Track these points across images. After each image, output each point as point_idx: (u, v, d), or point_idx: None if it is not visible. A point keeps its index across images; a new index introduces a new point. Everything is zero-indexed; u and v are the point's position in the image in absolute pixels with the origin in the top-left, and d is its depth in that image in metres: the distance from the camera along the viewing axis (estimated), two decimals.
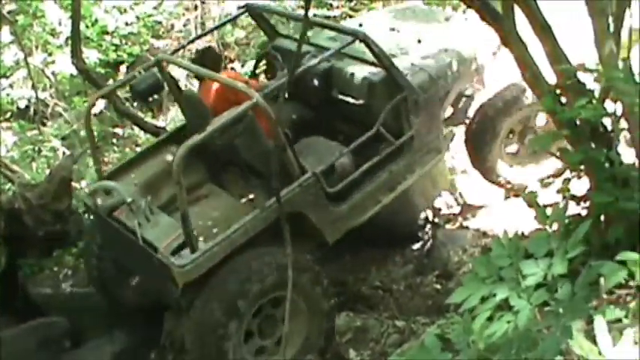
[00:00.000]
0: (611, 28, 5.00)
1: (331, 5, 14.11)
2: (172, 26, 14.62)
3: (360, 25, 9.04)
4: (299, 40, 5.66)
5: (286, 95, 8.49)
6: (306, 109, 8.62)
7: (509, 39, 5.09)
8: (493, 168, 8.72)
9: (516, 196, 8.64)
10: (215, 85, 7.90)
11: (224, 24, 10.91)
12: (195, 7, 14.40)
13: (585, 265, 4.51)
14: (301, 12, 10.85)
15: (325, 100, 8.37)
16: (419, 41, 8.53)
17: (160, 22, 14.33)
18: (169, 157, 8.01)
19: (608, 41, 4.93)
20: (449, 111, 8.79)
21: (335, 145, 7.84)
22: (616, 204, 4.74)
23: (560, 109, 4.82)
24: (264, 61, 9.05)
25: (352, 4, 14.26)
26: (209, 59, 8.10)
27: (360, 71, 8.01)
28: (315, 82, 8.34)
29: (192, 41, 10.18)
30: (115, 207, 7.60)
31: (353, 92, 8.07)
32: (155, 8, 14.08)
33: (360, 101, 7.97)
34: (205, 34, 11.06)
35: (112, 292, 8.34)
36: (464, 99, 8.74)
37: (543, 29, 5.07)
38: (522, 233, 5.14)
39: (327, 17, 13.37)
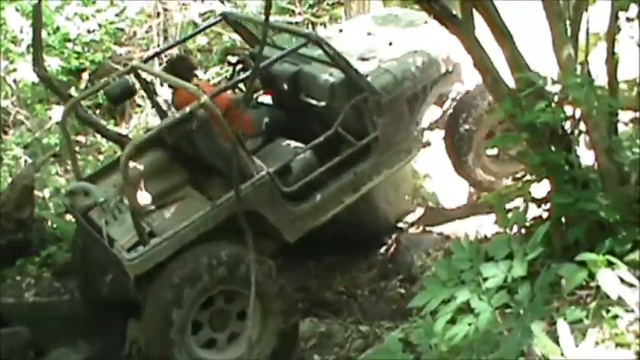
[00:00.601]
0: (569, 33, 5.08)
1: (293, 12, 14.15)
2: (135, 33, 14.57)
3: (340, 30, 9.44)
4: (261, 43, 5.66)
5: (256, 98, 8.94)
6: (278, 113, 8.71)
7: (469, 43, 5.13)
8: (473, 170, 8.73)
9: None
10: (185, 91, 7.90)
11: (200, 32, 10.96)
12: (158, 15, 14.36)
13: (547, 266, 4.56)
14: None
15: (295, 103, 8.45)
16: (390, 44, 8.60)
17: (122, 30, 14.27)
18: (149, 160, 8.09)
19: (566, 45, 5.00)
20: (437, 113, 8.87)
21: (299, 148, 7.85)
22: (576, 205, 4.80)
23: (520, 113, 4.85)
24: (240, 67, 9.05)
25: (314, 10, 14.31)
26: (181, 67, 8.13)
27: (323, 74, 8.06)
28: (285, 86, 8.43)
29: (168, 48, 10.30)
30: (90, 207, 7.74)
31: (317, 95, 8.12)
32: (117, 15, 14.00)
33: (323, 103, 8.00)
34: (183, 41, 11.11)
35: (93, 289, 8.37)
36: (450, 101, 8.78)
37: (503, 34, 5.13)
38: (485, 236, 5.19)
39: (290, 23, 13.41)
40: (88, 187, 7.76)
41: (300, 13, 14.12)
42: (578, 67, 5.07)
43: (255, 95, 8.95)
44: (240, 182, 6.85)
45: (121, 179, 7.81)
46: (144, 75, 8.69)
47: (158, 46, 13.79)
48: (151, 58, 9.54)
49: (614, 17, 5.08)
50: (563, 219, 5.04)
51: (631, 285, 4.19)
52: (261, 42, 5.84)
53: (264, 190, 7.42)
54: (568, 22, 5.09)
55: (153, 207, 7.76)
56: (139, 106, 13.61)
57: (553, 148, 5.05)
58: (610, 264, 4.21)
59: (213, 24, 9.95)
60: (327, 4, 14.50)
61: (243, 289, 6.95)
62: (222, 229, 7.20)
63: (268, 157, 7.79)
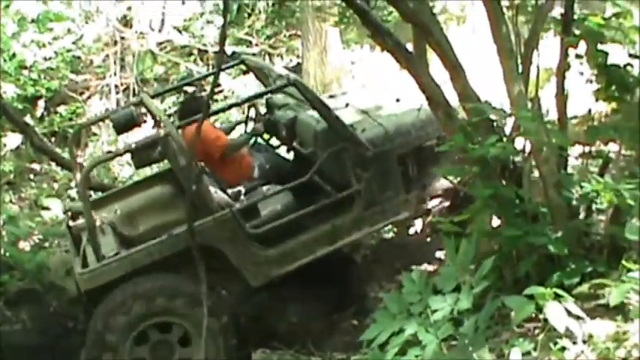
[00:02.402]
0: (520, 68, 5.17)
1: (250, 43, 14.22)
2: (91, 61, 14.59)
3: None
4: (216, 72, 5.65)
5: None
6: (282, 160, 8.71)
7: (422, 79, 5.20)
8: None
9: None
10: (190, 131, 7.95)
11: (220, 72, 11.08)
12: (115, 43, 14.37)
13: (495, 299, 4.61)
14: None
15: (292, 150, 8.49)
16: (397, 100, 8.40)
17: (78, 57, 14.28)
18: (156, 193, 8.17)
19: (517, 81, 5.08)
20: None
21: (283, 194, 7.78)
22: (525, 239, 4.86)
23: (471, 147, 4.91)
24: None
25: (271, 41, 14.40)
26: (195, 105, 8.19)
27: (312, 121, 7.91)
28: (283, 132, 8.41)
29: (182, 85, 10.42)
30: (83, 228, 7.66)
31: (306, 142, 8.08)
32: (74, 43, 14.02)
33: (309, 150, 7.95)
34: (201, 79, 11.17)
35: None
36: None
37: (455, 68, 5.20)
38: (435, 269, 5.24)
39: (246, 54, 13.48)
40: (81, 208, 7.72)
41: (257, 44, 14.21)
42: (529, 103, 5.16)
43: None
44: (195, 216, 6.87)
45: (124, 204, 7.99)
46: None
47: (115, 74, 13.82)
48: (166, 92, 9.62)
49: (564, 54, 5.17)
50: (514, 252, 5.09)
51: (578, 317, 4.26)
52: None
53: (226, 227, 7.31)
54: (519, 58, 5.19)
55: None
56: (95, 134, 13.59)
57: (504, 182, 5.12)
58: (558, 297, 4.27)
59: (232, 66, 9.99)
60: (285, 36, 14.62)
61: (182, 321, 7.06)
62: (182, 259, 7.08)
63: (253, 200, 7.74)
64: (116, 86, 13.83)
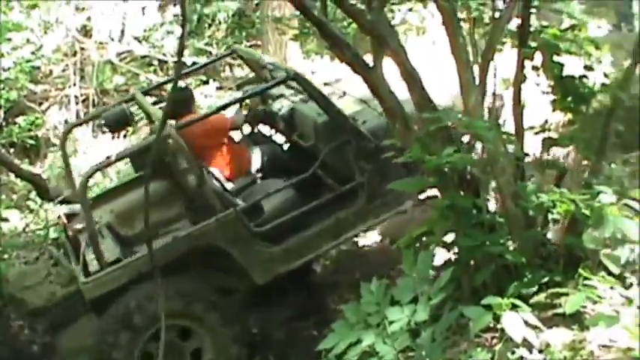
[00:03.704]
0: (477, 79, 5.21)
1: (210, 53, 14.20)
2: (51, 72, 14.48)
3: None
4: (175, 79, 5.60)
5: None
6: (279, 152, 8.61)
7: (380, 89, 5.22)
8: None
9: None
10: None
11: (211, 62, 11.05)
12: (75, 53, 14.29)
13: (453, 309, 4.64)
14: None
15: (290, 142, 8.41)
16: None
17: (38, 68, 14.17)
18: (152, 189, 8.02)
19: (474, 91, 5.12)
20: None
21: (286, 189, 7.68)
22: (482, 248, 4.89)
23: (428, 158, 4.94)
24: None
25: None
26: (182, 99, 8.08)
27: (312, 113, 7.83)
28: (281, 125, 8.38)
29: (164, 83, 10.41)
30: (80, 230, 7.66)
31: (306, 135, 8.01)
32: (33, 53, 13.92)
33: (310, 143, 7.89)
34: (189, 72, 11.15)
35: None
36: None
37: (412, 79, 5.23)
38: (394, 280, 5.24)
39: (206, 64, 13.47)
40: (79, 210, 7.66)
41: (217, 55, 14.18)
42: (486, 114, 5.21)
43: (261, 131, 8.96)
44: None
45: (119, 204, 7.96)
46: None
47: (74, 84, 13.75)
48: (154, 88, 9.59)
49: (521, 65, 5.23)
50: (471, 262, 5.13)
51: (535, 327, 4.30)
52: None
53: (230, 227, 7.24)
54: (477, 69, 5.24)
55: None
56: (54, 145, 13.49)
57: (461, 193, 5.15)
58: (515, 307, 4.30)
59: (224, 56, 10.47)
60: (245, 46, 14.59)
61: (195, 326, 7.06)
62: (186, 262, 7.11)
63: (254, 196, 7.65)
64: (76, 97, 13.74)
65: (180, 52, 4.53)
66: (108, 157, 7.47)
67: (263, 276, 7.39)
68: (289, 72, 7.57)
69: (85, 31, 14.56)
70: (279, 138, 8.96)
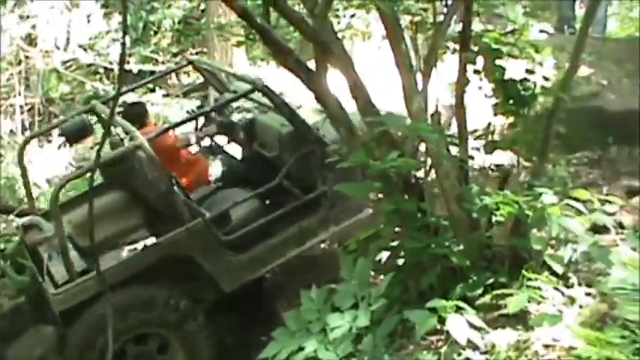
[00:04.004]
0: (420, 84, 5.25)
1: (156, 61, 14.16)
2: None
3: None
4: (116, 92, 5.60)
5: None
6: (237, 162, 8.65)
7: (324, 96, 5.24)
8: None
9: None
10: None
11: (168, 73, 10.98)
12: (19, 62, 14.16)
13: (396, 314, 4.67)
14: None
15: (250, 152, 8.42)
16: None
17: None
18: (107, 201, 7.97)
19: (417, 97, 5.16)
20: None
21: (250, 198, 7.74)
22: (427, 251, 4.93)
23: (372, 163, 4.97)
24: None
25: (177, 59, 14.36)
26: (137, 111, 8.27)
27: (275, 124, 7.91)
28: (241, 135, 8.40)
29: (128, 90, 10.29)
30: (39, 241, 7.62)
31: (268, 145, 8.05)
32: None
33: (273, 153, 7.92)
34: (146, 83, 11.12)
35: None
36: None
37: (356, 85, 5.26)
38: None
39: (152, 72, 13.42)
40: (39, 222, 7.68)
41: (163, 62, 14.15)
42: (429, 118, 5.25)
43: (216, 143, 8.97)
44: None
45: (76, 214, 7.79)
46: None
47: (19, 93, 13.62)
48: (112, 99, 9.54)
49: (463, 69, 5.28)
50: (418, 266, 5.16)
51: (480, 328, 4.34)
52: (117, 87, 5.80)
53: (199, 236, 7.26)
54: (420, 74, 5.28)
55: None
56: (0, 155, 13.34)
57: (406, 197, 5.19)
58: (459, 309, 4.35)
59: (181, 67, 10.43)
60: (191, 54, 14.58)
61: (161, 331, 7.08)
62: (154, 272, 7.09)
63: (216, 205, 7.69)
64: (21, 106, 13.61)
65: (122, 61, 4.51)
66: (79, 168, 7.48)
67: (231, 284, 7.44)
68: (257, 83, 7.63)
69: (30, 40, 14.41)
70: (232, 149, 9.01)
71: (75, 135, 8.30)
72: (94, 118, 8.97)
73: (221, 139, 9.05)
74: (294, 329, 4.81)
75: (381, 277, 5.32)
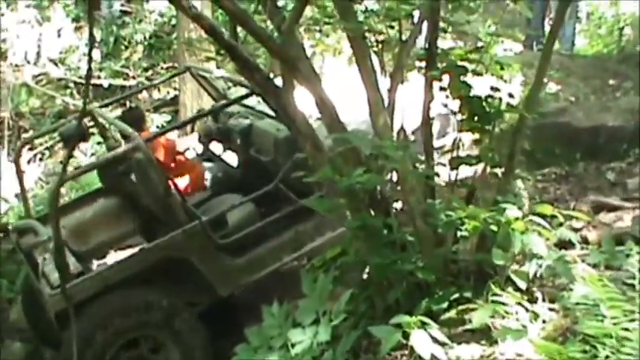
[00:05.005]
0: (386, 101, 5.28)
1: (127, 75, 14.13)
2: None
3: None
4: (82, 106, 5.58)
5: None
6: (231, 168, 8.73)
7: (290, 110, 5.25)
8: None
9: None
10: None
11: (164, 81, 11.03)
12: None
13: (354, 330, 4.68)
14: None
15: (246, 158, 8.47)
16: None
17: None
18: (101, 207, 8.20)
19: (382, 113, 5.19)
20: None
21: (246, 203, 7.78)
22: (393, 267, 4.95)
23: (338, 178, 4.98)
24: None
25: (148, 74, 14.34)
26: (134, 116, 8.32)
27: (271, 129, 7.98)
28: (237, 140, 8.45)
29: (127, 96, 10.69)
30: (35, 245, 7.61)
31: (264, 150, 8.10)
32: None
33: (269, 158, 7.97)
34: (141, 91, 11.15)
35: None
36: None
37: (323, 102, 5.28)
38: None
39: (123, 87, 13.41)
40: (34, 225, 7.66)
41: (134, 77, 14.14)
42: (395, 134, 5.28)
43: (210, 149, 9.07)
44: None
45: (70, 219, 7.94)
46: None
47: None
48: (107, 105, 9.56)
49: (429, 86, 5.31)
50: (384, 281, 5.17)
51: (444, 344, 4.36)
52: (83, 96, 5.83)
53: (196, 238, 7.29)
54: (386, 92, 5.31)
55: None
56: None
57: (372, 213, 5.21)
58: (423, 324, 4.37)
59: (178, 74, 10.33)
60: (162, 68, 14.59)
61: (162, 335, 7.10)
62: (151, 274, 7.13)
63: (212, 210, 7.72)
64: None
65: (88, 74, 4.52)
66: (77, 168, 7.55)
67: (227, 288, 7.49)
68: (253, 88, 7.67)
69: (0, 54, 14.37)
70: (226, 156, 9.10)
71: (71, 139, 8.34)
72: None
73: (216, 147, 9.09)
74: (256, 344, 4.82)
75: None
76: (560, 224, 5.43)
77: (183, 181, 8.33)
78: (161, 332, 7.15)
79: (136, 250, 7.51)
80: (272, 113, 7.50)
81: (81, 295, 6.95)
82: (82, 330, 6.91)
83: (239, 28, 5.33)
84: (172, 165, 8.30)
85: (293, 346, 4.68)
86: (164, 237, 7.21)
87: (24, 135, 13.77)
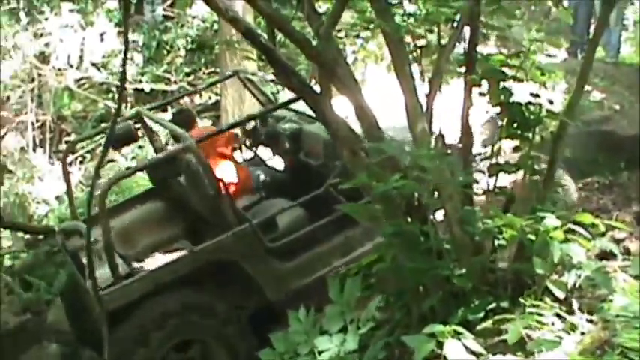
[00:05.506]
0: (424, 107, 5.22)
1: (169, 80, 14.18)
2: (8, 98, 14.39)
3: None
4: (117, 109, 5.57)
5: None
6: (278, 173, 8.68)
7: (327, 116, 5.22)
8: None
9: None
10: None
11: (212, 84, 11.10)
12: (32, 80, 14.21)
13: (383, 338, 4.63)
14: None
15: (296, 162, 8.44)
16: None
17: None
18: (149, 210, 8.20)
19: (421, 119, 5.13)
20: None
21: (294, 207, 7.69)
22: (429, 273, 4.89)
23: (375, 185, 4.93)
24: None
25: (190, 78, 14.38)
26: (184, 118, 8.38)
27: (321, 133, 7.85)
28: (286, 144, 8.43)
29: (171, 101, 10.68)
30: (81, 247, 7.52)
31: (314, 153, 8.08)
32: None
33: (319, 162, 7.94)
34: (189, 94, 11.27)
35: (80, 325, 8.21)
36: None
37: (361, 108, 5.24)
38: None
39: (165, 92, 13.46)
40: (80, 227, 7.65)
41: (175, 82, 14.18)
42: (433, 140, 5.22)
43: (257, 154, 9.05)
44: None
45: (117, 222, 7.91)
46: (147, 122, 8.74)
47: (31, 111, 13.68)
48: (155, 107, 9.63)
49: (468, 92, 5.25)
50: (420, 289, 5.12)
51: (479, 354, 4.29)
52: (118, 103, 5.81)
53: (245, 241, 7.23)
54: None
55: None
56: (11, 172, 13.39)
57: (409, 219, 5.15)
58: (458, 334, 4.30)
59: (226, 78, 10.36)
60: (203, 73, 14.62)
61: (209, 338, 7.03)
62: (200, 277, 7.09)
63: (260, 213, 7.66)
64: (33, 123, 13.67)
65: (122, 80, 4.51)
66: (128, 168, 7.56)
67: (276, 292, 7.36)
68: None
69: (44, 58, 14.49)
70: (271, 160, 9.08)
71: (121, 140, 8.39)
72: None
73: (263, 152, 9.07)
74: (281, 350, 4.77)
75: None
76: (602, 234, 5.31)
77: (230, 185, 8.31)
78: (211, 335, 7.08)
79: (184, 252, 7.49)
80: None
81: (131, 295, 6.93)
82: (135, 329, 6.95)
83: (278, 33, 5.31)
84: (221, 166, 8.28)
85: (320, 353, 4.62)
86: (213, 239, 7.16)
87: (66, 138, 13.89)
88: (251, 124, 8.93)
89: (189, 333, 7.11)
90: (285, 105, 7.90)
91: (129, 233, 8.01)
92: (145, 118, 8.58)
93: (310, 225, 7.51)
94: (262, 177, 8.56)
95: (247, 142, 9.07)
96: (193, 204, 7.78)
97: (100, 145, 12.83)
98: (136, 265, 7.51)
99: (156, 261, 7.65)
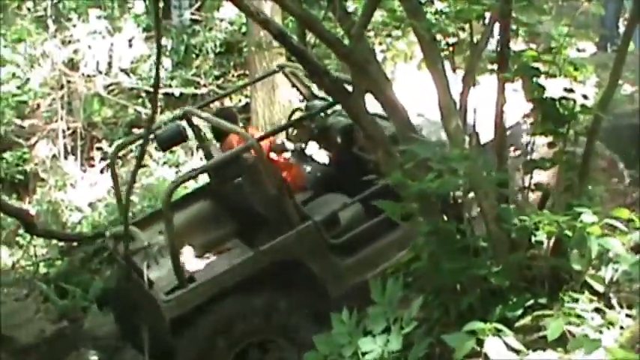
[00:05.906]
0: (458, 104, 5.21)
1: (198, 83, 14.20)
2: (38, 106, 14.48)
3: None
4: (151, 114, 5.62)
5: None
6: (329, 169, 8.67)
7: (360, 117, 5.22)
8: None
9: None
10: (235, 141, 8.09)
11: (256, 81, 11.22)
12: (62, 87, 14.28)
13: (426, 337, 4.61)
14: None
15: (348, 157, 8.42)
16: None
17: (25, 102, 14.16)
18: (198, 210, 8.22)
19: (454, 117, 5.12)
20: None
21: (352, 202, 7.71)
22: (467, 271, 4.88)
23: (410, 184, 4.93)
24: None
25: (219, 82, 14.39)
26: (227, 117, 8.29)
27: None
28: (338, 139, 8.44)
29: (213, 100, 10.82)
30: (134, 251, 7.63)
31: (366, 147, 7.94)
32: (19, 87, 13.91)
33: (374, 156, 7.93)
34: (230, 93, 11.81)
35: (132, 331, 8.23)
36: None
37: (393, 107, 5.23)
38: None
39: (195, 96, 13.48)
40: (133, 232, 7.71)
41: (205, 85, 14.20)
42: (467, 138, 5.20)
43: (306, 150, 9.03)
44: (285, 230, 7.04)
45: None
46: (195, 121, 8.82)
47: (61, 118, 13.75)
48: (203, 106, 9.70)
49: (501, 89, 5.23)
50: (457, 287, 5.11)
51: (519, 351, 4.28)
52: (152, 107, 5.84)
53: (309, 239, 7.27)
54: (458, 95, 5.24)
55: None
56: (43, 180, 13.48)
57: (445, 217, 5.14)
58: (498, 331, 4.28)
59: (270, 74, 10.26)
60: (233, 76, 14.63)
61: (280, 339, 7.07)
62: (263, 277, 7.13)
63: (317, 210, 7.67)
64: (63, 130, 13.75)
65: (156, 81, 4.53)
66: (192, 170, 7.60)
67: (338, 288, 7.37)
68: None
69: (72, 64, 14.56)
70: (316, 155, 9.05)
71: (169, 141, 8.42)
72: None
73: (309, 147, 9.05)
74: (325, 353, 4.75)
75: None
76: (638, 228, 5.27)
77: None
78: (279, 336, 7.14)
79: (241, 252, 7.53)
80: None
81: (197, 300, 6.97)
82: (202, 334, 7.00)
83: (309, 34, 5.32)
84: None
85: (364, 354, 4.61)
86: (276, 239, 7.16)
87: (97, 145, 13.95)
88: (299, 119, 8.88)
89: (257, 335, 7.14)
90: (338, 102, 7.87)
91: (179, 233, 8.02)
92: (194, 118, 8.61)
93: (368, 220, 7.49)
94: (314, 173, 8.53)
95: (297, 138, 9.00)
96: (251, 203, 7.76)
97: (131, 151, 12.86)
98: (191, 267, 7.52)
99: (210, 262, 7.67)
